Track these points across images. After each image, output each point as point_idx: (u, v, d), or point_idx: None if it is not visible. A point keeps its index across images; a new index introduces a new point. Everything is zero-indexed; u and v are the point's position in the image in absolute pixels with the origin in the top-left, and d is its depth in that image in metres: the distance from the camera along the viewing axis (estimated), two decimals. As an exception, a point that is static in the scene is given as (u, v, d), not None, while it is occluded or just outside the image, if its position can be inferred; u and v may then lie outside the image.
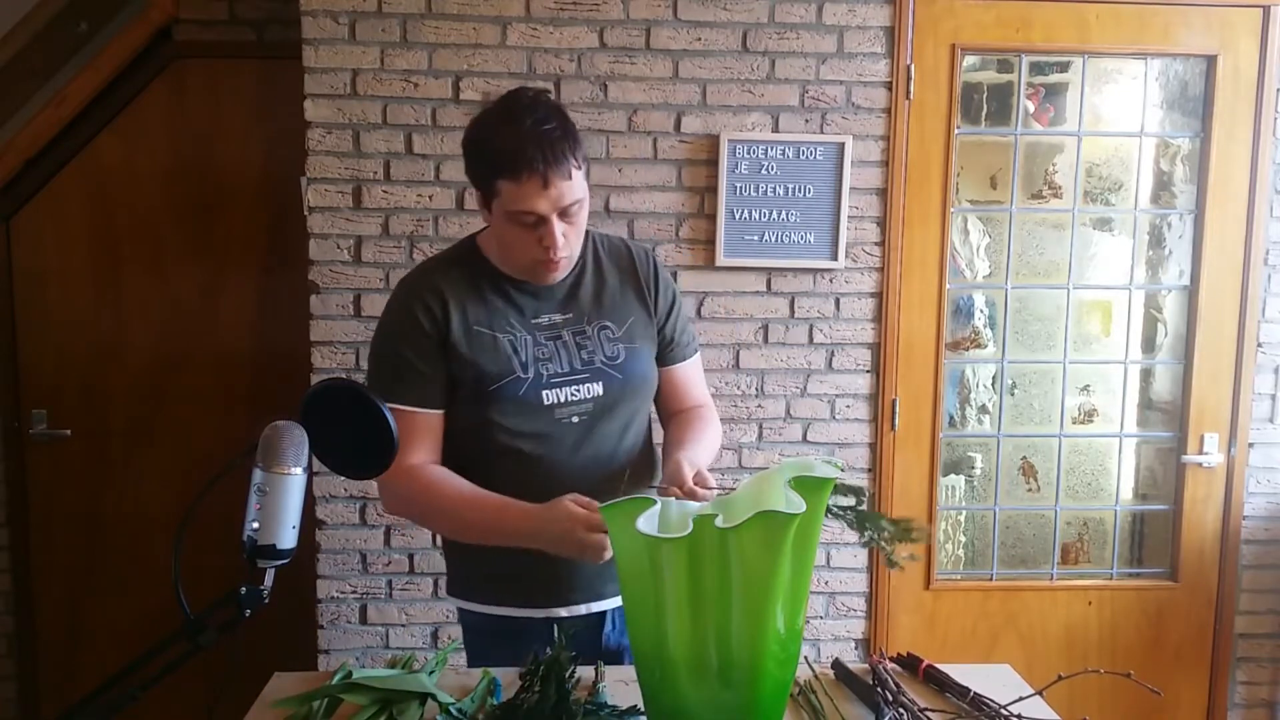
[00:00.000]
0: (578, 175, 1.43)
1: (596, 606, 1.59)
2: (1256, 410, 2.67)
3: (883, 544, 1.29)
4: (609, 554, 1.32)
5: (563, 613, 1.56)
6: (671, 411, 1.68)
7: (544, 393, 1.52)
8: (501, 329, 1.52)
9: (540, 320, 1.55)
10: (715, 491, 1.40)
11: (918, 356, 2.60)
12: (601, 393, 1.54)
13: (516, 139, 1.40)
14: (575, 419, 1.53)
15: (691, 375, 1.69)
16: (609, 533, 1.21)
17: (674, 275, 2.36)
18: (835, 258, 2.52)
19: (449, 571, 1.68)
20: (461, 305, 1.52)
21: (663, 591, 1.14)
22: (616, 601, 1.59)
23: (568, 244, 1.47)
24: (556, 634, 1.39)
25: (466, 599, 1.63)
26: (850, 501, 1.31)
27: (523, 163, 1.39)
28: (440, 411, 1.53)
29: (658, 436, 1.69)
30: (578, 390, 1.53)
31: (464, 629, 1.68)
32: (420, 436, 1.51)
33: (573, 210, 1.45)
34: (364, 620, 2.55)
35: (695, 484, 1.40)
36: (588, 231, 1.58)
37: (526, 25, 2.41)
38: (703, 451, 1.54)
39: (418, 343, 1.51)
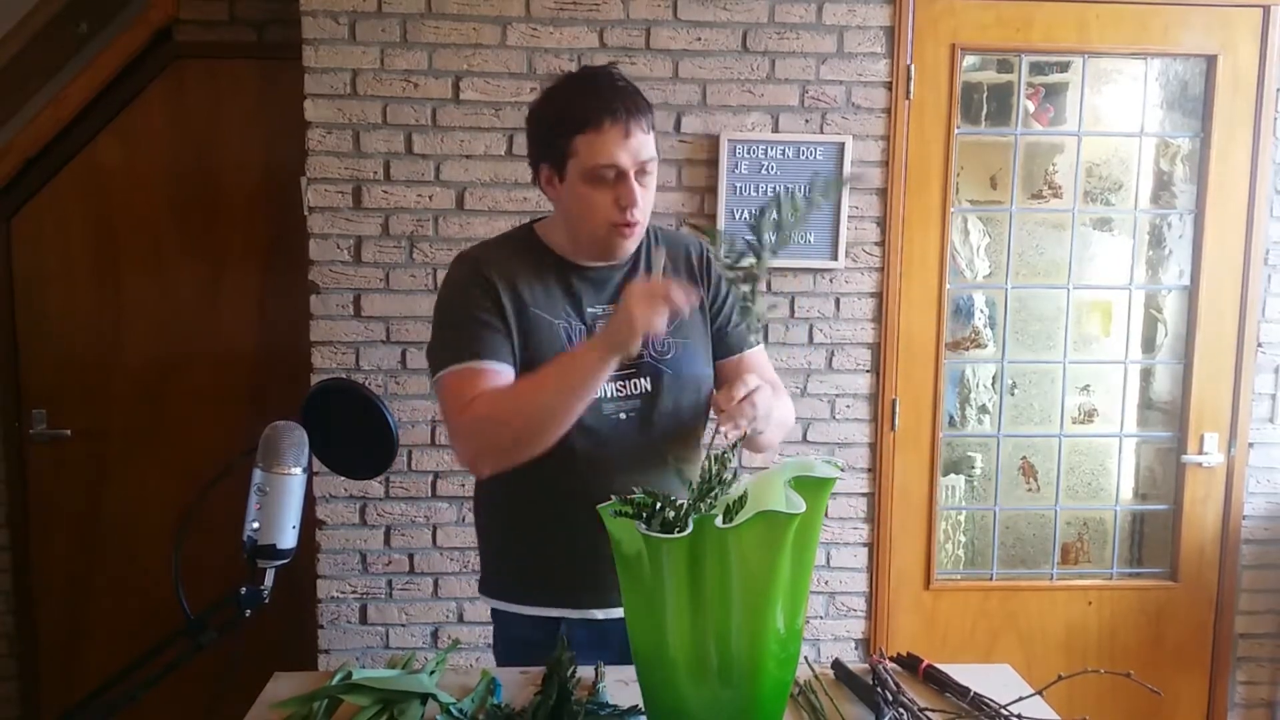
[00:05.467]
0: (652, 136, 1.46)
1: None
2: (1256, 410, 2.67)
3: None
4: (657, 322, 1.30)
5: (598, 614, 1.54)
6: None
7: None
8: (556, 315, 1.50)
9: (595, 310, 1.52)
10: (749, 418, 1.33)
11: (918, 356, 2.60)
12: (650, 388, 1.51)
13: (596, 94, 1.42)
14: (624, 415, 1.50)
15: (746, 365, 1.58)
16: (611, 534, 1.21)
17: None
18: (835, 258, 2.52)
19: (483, 571, 1.67)
20: (513, 286, 1.49)
21: (663, 591, 1.14)
22: None
23: (641, 210, 1.46)
24: (562, 638, 1.39)
25: (501, 599, 1.62)
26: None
27: (605, 112, 1.40)
28: (512, 369, 1.47)
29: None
30: (624, 385, 1.50)
31: (496, 630, 1.66)
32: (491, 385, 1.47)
33: (648, 170, 1.45)
34: (364, 620, 2.55)
35: (738, 402, 1.32)
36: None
37: (526, 25, 2.41)
38: (767, 394, 1.43)
39: (485, 307, 1.47)
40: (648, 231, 1.58)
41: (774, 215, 1.26)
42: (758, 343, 1.63)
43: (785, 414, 1.56)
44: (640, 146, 1.43)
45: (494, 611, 1.65)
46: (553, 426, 1.39)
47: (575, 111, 1.42)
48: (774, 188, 2.47)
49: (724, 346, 1.59)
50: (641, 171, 1.44)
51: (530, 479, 1.47)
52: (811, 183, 1.28)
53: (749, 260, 1.27)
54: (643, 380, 1.51)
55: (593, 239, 1.50)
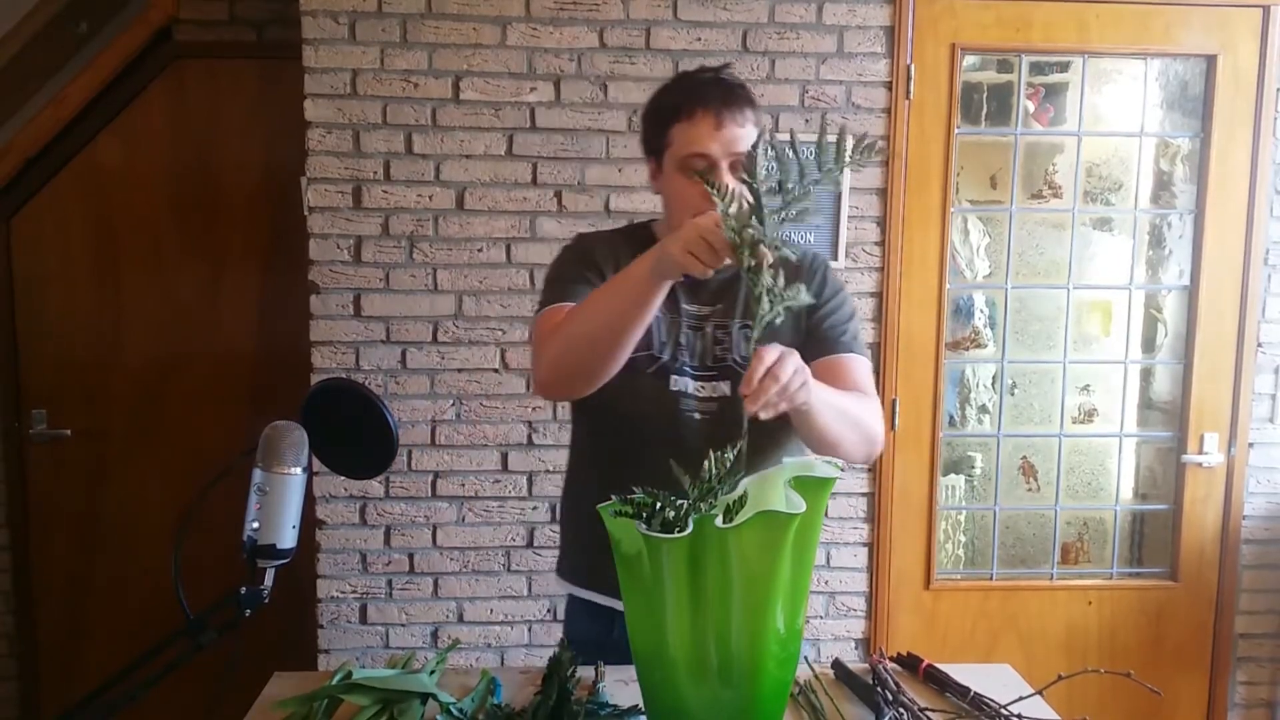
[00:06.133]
0: (751, 130, 1.45)
1: None
2: (1256, 410, 2.67)
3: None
4: (699, 264, 1.22)
5: None
6: None
7: (672, 377, 1.50)
8: None
9: (690, 308, 1.52)
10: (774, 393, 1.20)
11: (918, 356, 2.60)
12: (729, 392, 1.51)
13: (693, 84, 1.48)
14: (699, 415, 1.50)
15: (835, 369, 1.50)
16: (611, 534, 1.20)
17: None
18: (835, 257, 2.51)
19: (560, 554, 1.70)
20: (616, 268, 1.49)
21: (663, 591, 1.14)
22: None
23: None
24: (563, 640, 1.39)
25: (569, 580, 1.65)
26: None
27: (697, 100, 1.44)
28: None
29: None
30: (703, 387, 1.51)
31: (568, 617, 1.70)
32: None
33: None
34: (364, 620, 2.55)
35: (758, 381, 1.20)
36: None
37: (526, 25, 2.41)
38: (826, 392, 1.37)
39: (586, 270, 1.53)
40: None
41: (774, 170, 1.21)
42: (853, 349, 1.55)
43: (857, 411, 1.47)
44: (733, 139, 1.43)
45: (567, 597, 1.70)
46: (603, 340, 1.38)
47: (671, 102, 1.48)
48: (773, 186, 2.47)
49: (812, 349, 1.52)
50: (736, 166, 1.43)
51: (607, 470, 1.50)
52: (822, 141, 1.20)
53: (750, 230, 1.19)
54: (723, 384, 1.51)
55: None
